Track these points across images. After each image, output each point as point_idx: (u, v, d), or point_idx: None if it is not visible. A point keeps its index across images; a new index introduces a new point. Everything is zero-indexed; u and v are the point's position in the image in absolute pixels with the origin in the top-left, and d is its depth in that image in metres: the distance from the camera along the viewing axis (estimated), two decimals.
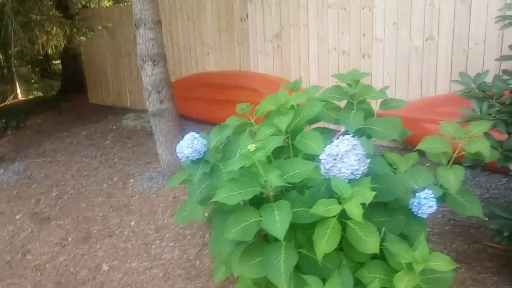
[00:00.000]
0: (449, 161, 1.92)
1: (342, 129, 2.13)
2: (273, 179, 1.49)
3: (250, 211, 1.65)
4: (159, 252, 2.74)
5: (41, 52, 5.03)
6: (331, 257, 1.64)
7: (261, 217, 1.62)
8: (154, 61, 3.44)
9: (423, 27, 3.60)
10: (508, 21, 2.22)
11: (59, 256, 2.84)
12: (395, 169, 1.93)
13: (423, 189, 1.80)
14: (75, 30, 5.15)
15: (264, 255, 1.65)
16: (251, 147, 1.50)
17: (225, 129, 1.77)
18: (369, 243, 1.56)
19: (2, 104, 7.84)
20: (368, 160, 1.63)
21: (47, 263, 2.79)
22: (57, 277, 2.64)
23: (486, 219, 1.96)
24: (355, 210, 1.49)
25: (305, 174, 1.57)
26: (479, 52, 3.40)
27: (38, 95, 8.97)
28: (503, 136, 2.18)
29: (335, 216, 1.53)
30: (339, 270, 1.61)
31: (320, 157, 1.63)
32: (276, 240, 1.56)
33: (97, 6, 8.74)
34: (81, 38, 5.53)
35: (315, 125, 2.10)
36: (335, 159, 1.59)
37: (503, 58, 2.35)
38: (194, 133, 1.67)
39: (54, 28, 4.74)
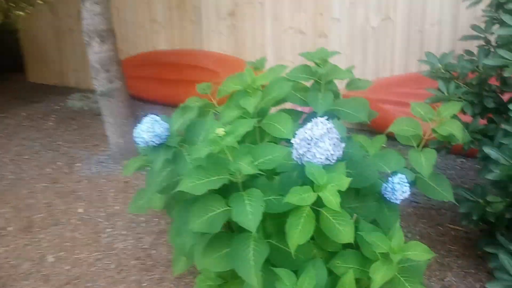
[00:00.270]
0: (419, 144, 1.87)
1: (306, 110, 2.03)
2: (245, 167, 1.36)
3: (216, 199, 1.51)
4: (111, 241, 2.56)
5: None
6: (303, 248, 1.53)
7: (229, 206, 1.49)
8: (102, 38, 3.19)
9: (379, 7, 3.55)
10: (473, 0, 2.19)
11: None
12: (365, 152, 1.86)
13: (395, 173, 1.74)
14: (12, 5, 4.73)
15: (231, 247, 1.53)
16: (220, 131, 1.36)
17: (188, 111, 1.61)
18: (344, 232, 1.47)
19: None
20: (343, 145, 1.53)
21: None
22: None
23: (457, 204, 1.93)
24: (331, 198, 1.39)
25: (277, 160, 1.45)
26: (434, 33, 3.40)
27: None
28: (468, 118, 2.16)
29: (309, 204, 1.42)
30: (313, 261, 1.52)
31: (293, 142, 1.52)
32: (243, 230, 1.44)
33: None
34: (19, 13, 5.10)
35: (278, 107, 1.99)
36: (309, 144, 1.47)
37: (465, 37, 2.32)
38: (153, 115, 1.50)
39: None
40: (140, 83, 4.74)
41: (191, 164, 1.48)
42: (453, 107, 1.83)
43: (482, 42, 2.25)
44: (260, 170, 1.41)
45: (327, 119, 1.52)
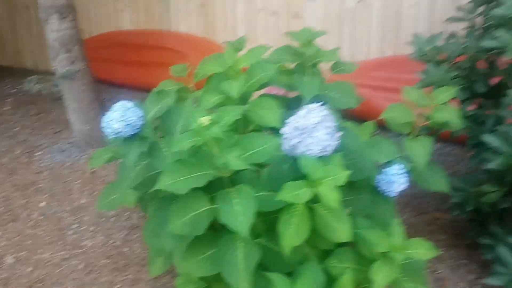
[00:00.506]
0: (410, 132, 1.76)
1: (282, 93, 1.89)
2: (234, 161, 1.20)
3: (198, 196, 1.35)
4: (78, 239, 2.36)
5: None
6: (295, 247, 1.40)
7: (213, 204, 1.34)
8: (61, 14, 2.92)
9: None
10: None
11: None
12: None
13: (391, 163, 1.62)
14: None
15: (217, 248, 1.38)
16: (204, 120, 1.19)
17: (164, 96, 1.43)
18: (340, 230, 1.34)
19: None
20: (340, 134, 1.39)
21: None
22: None
23: (450, 194, 1.84)
24: (331, 195, 1.25)
25: (269, 151, 1.30)
26: (411, 15, 3.30)
27: None
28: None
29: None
30: (307, 264, 1.39)
31: (283, 131, 1.36)
32: (229, 229, 1.29)
33: None
34: None
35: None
36: (302, 134, 1.33)
37: (450, 19, 2.22)
38: (125, 102, 1.31)
39: None
40: (103, 65, 4.47)
41: (170, 157, 1.31)
42: (448, 92, 1.73)
43: (466, 25, 2.17)
44: (249, 164, 1.25)
45: (322, 106, 1.38)
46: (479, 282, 1.91)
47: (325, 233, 1.36)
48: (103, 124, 1.30)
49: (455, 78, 1.99)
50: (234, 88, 1.52)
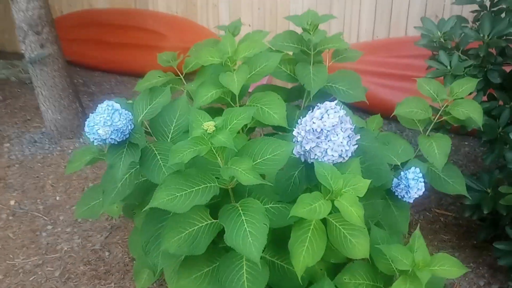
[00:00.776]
0: (426, 128, 1.60)
1: (264, 82, 1.70)
2: (244, 175, 1.00)
3: (197, 209, 1.16)
4: (53, 242, 2.15)
5: None
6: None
7: (214, 219, 1.15)
8: None
9: None
10: None
11: None
12: None
13: (407, 165, 1.46)
14: None
15: (216, 265, 1.21)
16: (209, 126, 0.99)
17: (158, 94, 1.22)
18: (358, 246, 1.19)
19: None
20: (358, 137, 1.22)
21: None
22: None
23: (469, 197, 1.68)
24: (352, 210, 1.08)
25: (283, 159, 1.11)
26: None
27: None
28: None
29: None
30: (320, 281, 1.22)
31: (295, 134, 1.18)
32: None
33: None
34: None
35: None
36: (318, 137, 1.15)
37: (459, 2, 2.06)
38: (111, 102, 1.10)
39: None
40: (75, 46, 4.17)
41: (166, 169, 1.11)
42: (469, 84, 1.57)
43: (475, 7, 2.01)
44: (261, 176, 1.06)
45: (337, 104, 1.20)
46: None
47: (340, 249, 1.20)
48: (86, 129, 1.09)
49: (468, 68, 1.84)
50: (235, 82, 1.32)
